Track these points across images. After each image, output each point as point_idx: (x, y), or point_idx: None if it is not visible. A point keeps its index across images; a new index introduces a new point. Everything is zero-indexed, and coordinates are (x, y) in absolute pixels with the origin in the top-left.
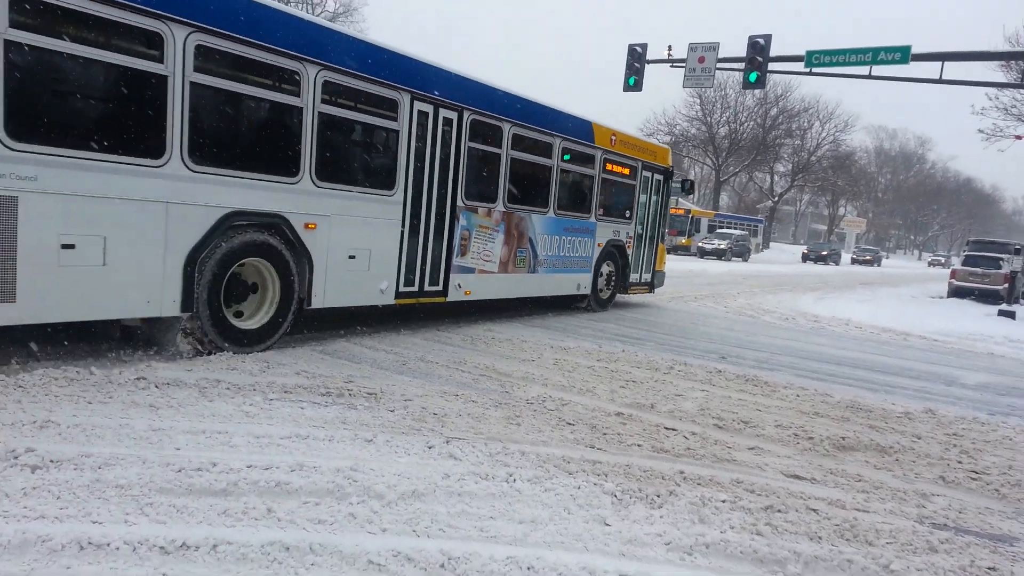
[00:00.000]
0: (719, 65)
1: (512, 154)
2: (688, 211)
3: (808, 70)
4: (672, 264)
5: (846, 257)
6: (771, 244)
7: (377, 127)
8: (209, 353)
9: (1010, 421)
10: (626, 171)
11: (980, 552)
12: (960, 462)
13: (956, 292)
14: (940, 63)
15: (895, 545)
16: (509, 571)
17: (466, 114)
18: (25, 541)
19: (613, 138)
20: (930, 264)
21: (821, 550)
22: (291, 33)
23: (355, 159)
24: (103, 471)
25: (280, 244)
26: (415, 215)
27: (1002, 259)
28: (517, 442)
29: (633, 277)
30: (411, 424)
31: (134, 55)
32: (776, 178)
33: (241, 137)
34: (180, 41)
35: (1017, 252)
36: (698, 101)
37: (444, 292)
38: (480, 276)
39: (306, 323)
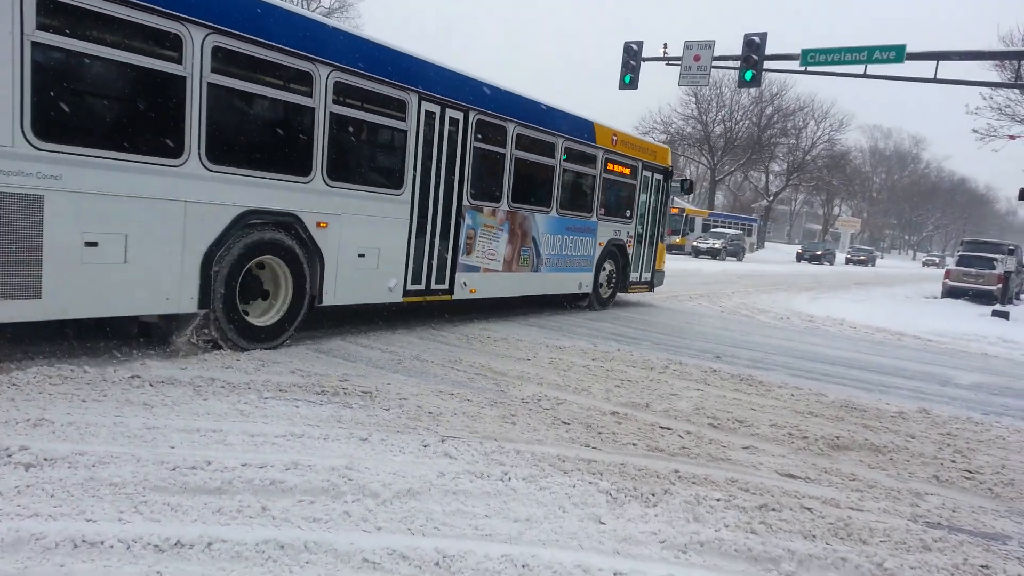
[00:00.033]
0: (715, 63)
1: (516, 154)
2: (682, 210)
3: (803, 69)
4: (667, 263)
5: (840, 257)
6: (766, 243)
7: (386, 127)
8: (224, 349)
9: (1003, 421)
10: (627, 171)
11: (973, 550)
12: (954, 461)
13: (950, 292)
14: (935, 62)
15: (889, 544)
16: (504, 569)
17: (472, 114)
18: (19, 539)
19: (614, 138)
20: (924, 264)
21: (815, 548)
22: (303, 34)
23: (365, 159)
24: (97, 469)
25: (293, 242)
26: (422, 214)
27: (996, 259)
28: (512, 441)
29: (633, 276)
30: (406, 423)
31: (154, 56)
32: (771, 177)
33: (255, 137)
34: (198, 42)
35: (1011, 252)
36: (693, 99)
37: (450, 290)
38: (485, 275)
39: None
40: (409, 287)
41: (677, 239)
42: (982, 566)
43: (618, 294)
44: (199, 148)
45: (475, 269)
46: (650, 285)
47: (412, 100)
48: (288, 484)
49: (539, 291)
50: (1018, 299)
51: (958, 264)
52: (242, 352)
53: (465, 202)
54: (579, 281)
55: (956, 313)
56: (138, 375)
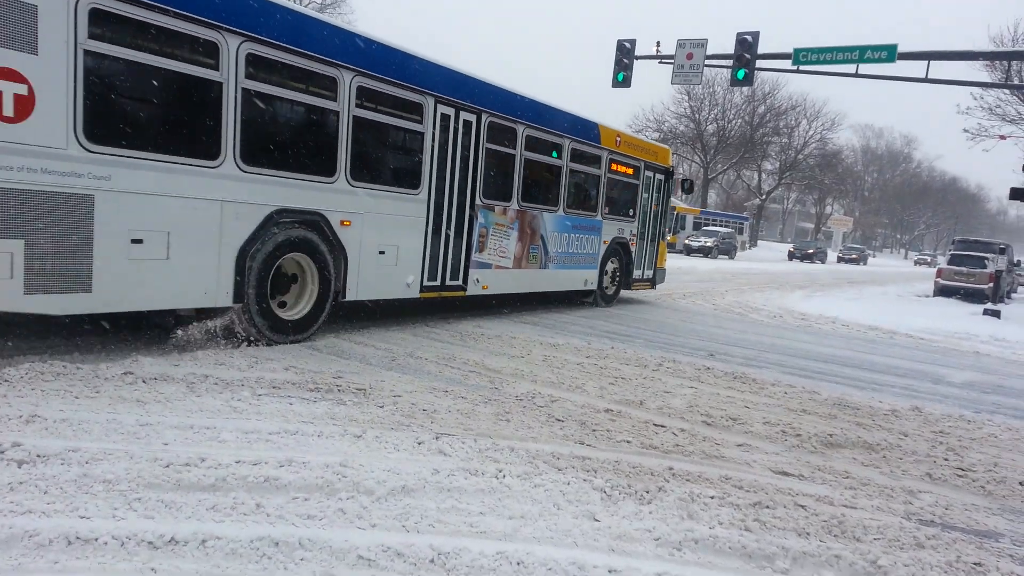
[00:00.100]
0: (707, 62)
1: (525, 155)
2: (674, 208)
3: (795, 68)
4: None
5: (832, 255)
6: (759, 242)
7: (404, 129)
8: (257, 343)
9: (995, 419)
10: (630, 171)
11: (966, 548)
12: (946, 459)
13: (942, 291)
14: (926, 62)
15: (882, 541)
16: (499, 566)
17: (484, 116)
18: (12, 536)
19: (618, 139)
20: (916, 263)
21: (809, 546)
22: (329, 41)
23: (385, 160)
24: (90, 466)
25: (319, 240)
26: (438, 213)
27: (987, 258)
28: (507, 438)
29: (636, 273)
30: (400, 420)
31: (193, 63)
32: (764, 176)
33: (285, 139)
34: (233, 50)
35: (1002, 251)
36: (686, 98)
37: (464, 286)
38: (496, 271)
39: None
40: (426, 283)
41: (669, 237)
42: (975, 563)
43: (622, 291)
44: (234, 150)
45: (487, 266)
46: (652, 282)
47: (429, 103)
48: (282, 481)
49: (547, 288)
50: (1009, 298)
51: (950, 263)
52: (273, 345)
53: (478, 201)
54: (585, 278)
55: (948, 312)
56: (131, 371)
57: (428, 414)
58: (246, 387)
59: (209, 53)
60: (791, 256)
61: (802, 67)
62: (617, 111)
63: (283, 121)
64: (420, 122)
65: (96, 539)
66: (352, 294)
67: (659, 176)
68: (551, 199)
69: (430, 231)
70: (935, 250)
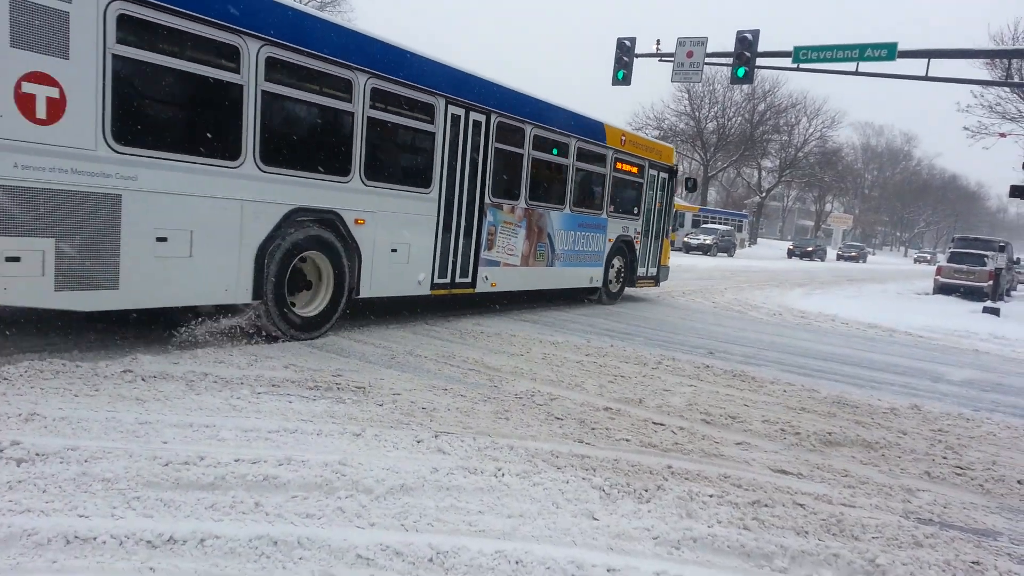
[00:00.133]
0: (707, 60)
1: (533, 154)
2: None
3: (796, 66)
4: None
5: (832, 253)
6: (758, 240)
7: (417, 130)
8: (273, 339)
9: (994, 417)
10: (634, 170)
11: (964, 546)
12: (945, 458)
13: (941, 289)
14: (926, 60)
15: (881, 540)
16: (497, 565)
17: (493, 117)
18: (10, 535)
19: (623, 138)
20: (916, 261)
21: (808, 544)
22: (344, 44)
23: (398, 160)
24: (89, 464)
25: (334, 238)
26: (448, 211)
27: (987, 256)
28: (506, 436)
29: (640, 271)
30: (400, 418)
31: (216, 67)
32: (763, 174)
33: (302, 140)
34: (253, 53)
35: (1002, 249)
36: (686, 96)
37: (473, 284)
38: (504, 269)
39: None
40: (436, 281)
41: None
42: (973, 562)
43: (625, 288)
44: (254, 151)
45: (495, 264)
46: (656, 280)
47: (440, 104)
48: (281, 480)
49: (554, 285)
50: (1009, 295)
51: (949, 261)
52: (290, 341)
53: (487, 200)
54: (590, 276)
55: (947, 309)
56: (130, 369)
57: (427, 412)
58: (245, 385)
59: (230, 57)
60: (790, 254)
61: (802, 65)
62: (617, 109)
63: (300, 122)
64: (431, 123)
65: (95, 538)
66: (366, 291)
67: (663, 175)
68: (558, 198)
69: (441, 229)
70: (935, 248)
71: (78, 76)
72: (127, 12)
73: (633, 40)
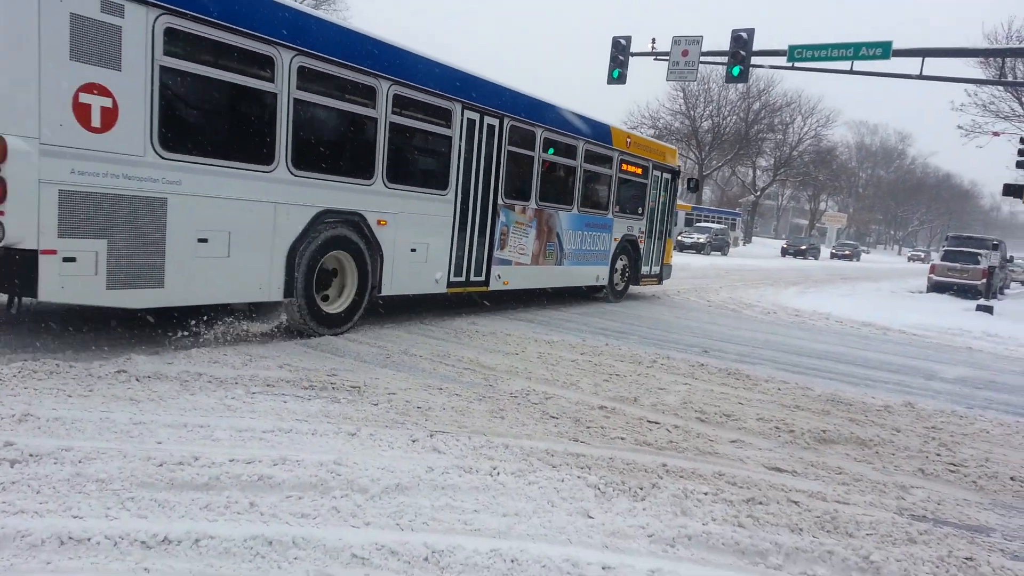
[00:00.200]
0: (702, 59)
1: (543, 156)
2: None
3: (790, 65)
4: None
5: (825, 251)
6: (753, 238)
7: (435, 134)
8: (303, 335)
9: (987, 414)
10: (639, 171)
11: (958, 543)
12: (939, 455)
13: (935, 287)
14: (920, 59)
15: (875, 536)
16: (493, 564)
17: (506, 120)
18: (4, 536)
19: (628, 140)
20: (910, 259)
21: (802, 542)
22: (369, 52)
23: (417, 163)
24: (83, 465)
25: (358, 238)
26: (464, 212)
27: (980, 254)
28: (501, 435)
29: (644, 269)
30: (395, 417)
31: (252, 76)
32: (758, 172)
33: (330, 145)
34: (287, 63)
35: (995, 248)
36: (681, 95)
37: (486, 282)
38: (516, 267)
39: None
40: (452, 279)
41: None
42: (966, 558)
43: (630, 286)
44: (286, 156)
45: (507, 263)
46: (659, 278)
47: (457, 109)
48: (276, 479)
49: (562, 283)
50: (1002, 294)
51: (943, 259)
52: (317, 336)
53: (500, 201)
54: (596, 274)
55: (941, 308)
56: (124, 370)
57: (422, 412)
58: (240, 385)
59: (265, 66)
60: (784, 252)
61: (797, 64)
62: (613, 108)
63: (328, 128)
64: (449, 127)
65: (89, 539)
66: (387, 289)
67: (666, 175)
68: (566, 198)
69: (456, 230)
70: (929, 246)
71: (129, 86)
72: (173, 25)
73: (628, 39)
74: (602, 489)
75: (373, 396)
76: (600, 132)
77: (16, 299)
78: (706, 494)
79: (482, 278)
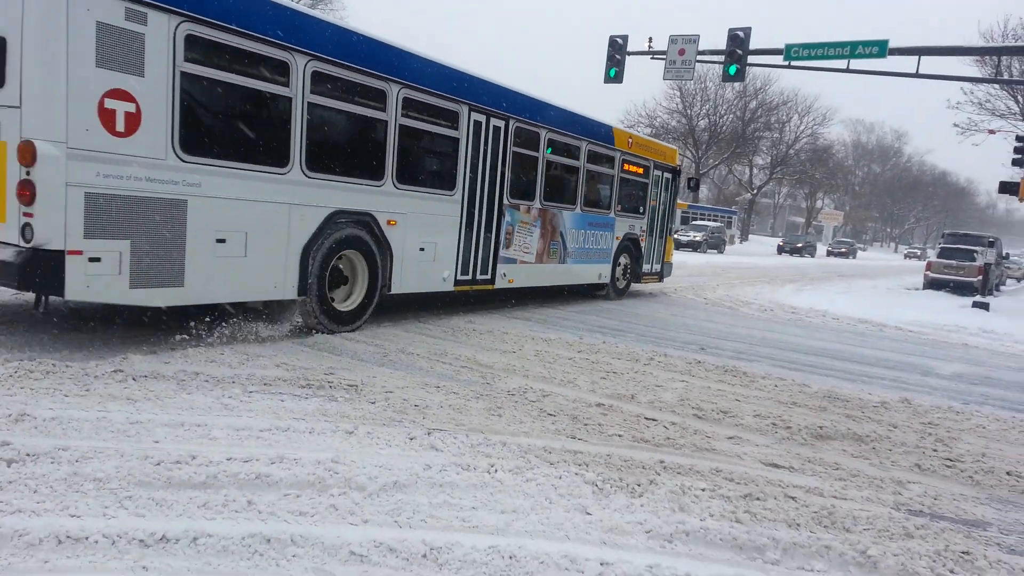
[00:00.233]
0: (699, 58)
1: (547, 157)
2: None
3: (787, 63)
4: None
5: (821, 249)
6: (750, 236)
7: (442, 136)
8: (315, 333)
9: (983, 410)
10: (640, 170)
11: (954, 537)
12: (935, 450)
13: (931, 284)
14: (917, 57)
15: (872, 531)
16: (491, 560)
17: (511, 122)
18: (2, 536)
19: (630, 140)
20: (906, 256)
21: (800, 537)
22: (379, 56)
23: (426, 164)
24: (81, 464)
25: (369, 238)
26: (470, 212)
27: (976, 251)
28: (498, 433)
29: (645, 267)
30: (392, 416)
31: (268, 81)
32: (755, 171)
33: (342, 147)
34: (301, 68)
35: (991, 245)
36: (678, 93)
37: (492, 280)
38: (521, 266)
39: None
40: (459, 277)
41: None
42: (963, 552)
43: (632, 284)
44: (300, 158)
45: (513, 261)
46: (660, 276)
47: (463, 111)
48: (274, 478)
49: (565, 281)
50: (998, 290)
51: (939, 256)
52: (331, 334)
53: (505, 201)
54: (599, 272)
55: (937, 304)
56: (121, 369)
57: (420, 410)
58: (237, 384)
59: (281, 71)
60: (780, 250)
61: (793, 63)
62: (611, 107)
63: (340, 131)
64: (456, 129)
65: (87, 538)
66: (397, 287)
67: (667, 175)
68: (569, 198)
69: (463, 229)
70: (925, 244)
71: (151, 92)
72: (193, 32)
73: (625, 38)
74: (600, 486)
75: (370, 394)
76: (602, 133)
77: (43, 298)
78: (703, 490)
79: (488, 276)
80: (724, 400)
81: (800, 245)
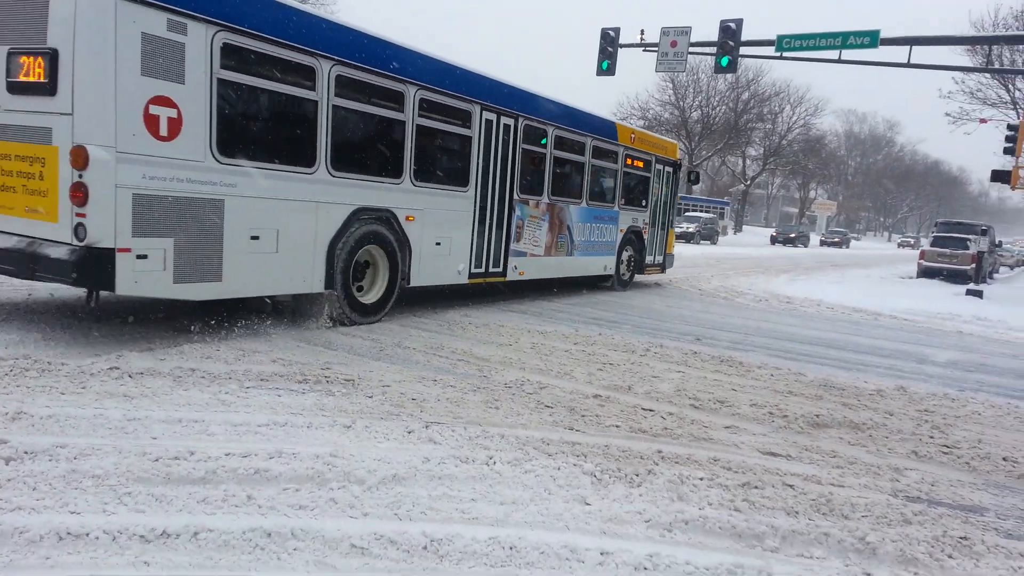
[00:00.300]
0: (691, 49)
1: (555, 153)
2: None
3: (779, 54)
4: None
5: (815, 239)
6: (743, 227)
7: (456, 134)
8: (342, 324)
9: (979, 396)
10: (642, 165)
11: (952, 523)
12: (931, 437)
13: (925, 272)
14: (908, 47)
15: (870, 518)
16: (491, 551)
17: (520, 120)
18: (2, 533)
19: (632, 136)
20: (900, 245)
21: (798, 524)
22: (398, 59)
23: (441, 162)
24: (79, 461)
25: (389, 233)
26: (483, 207)
27: (969, 240)
28: (496, 425)
29: (648, 259)
30: (390, 409)
31: (297, 85)
32: (748, 162)
33: (364, 147)
34: (326, 72)
35: (984, 233)
36: (671, 85)
37: (503, 273)
38: (530, 259)
39: (286, 311)
40: (473, 270)
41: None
42: (961, 538)
43: (635, 275)
44: (326, 158)
45: (523, 254)
46: (662, 267)
47: (476, 110)
48: (273, 472)
49: (572, 273)
50: (991, 278)
51: (933, 245)
52: (354, 326)
53: (515, 196)
54: (604, 264)
55: (931, 293)
56: (117, 366)
57: (417, 403)
58: (233, 380)
59: (308, 76)
60: (774, 240)
61: (785, 54)
62: (603, 100)
63: (362, 131)
64: (468, 127)
65: (87, 534)
66: (415, 281)
67: (668, 168)
68: (576, 192)
69: (476, 224)
70: (918, 233)
71: (191, 98)
72: (229, 41)
73: (617, 30)
74: (598, 476)
75: (368, 389)
76: (606, 128)
77: (95, 294)
78: (702, 479)
79: (500, 269)
80: (721, 390)
81: (794, 235)
